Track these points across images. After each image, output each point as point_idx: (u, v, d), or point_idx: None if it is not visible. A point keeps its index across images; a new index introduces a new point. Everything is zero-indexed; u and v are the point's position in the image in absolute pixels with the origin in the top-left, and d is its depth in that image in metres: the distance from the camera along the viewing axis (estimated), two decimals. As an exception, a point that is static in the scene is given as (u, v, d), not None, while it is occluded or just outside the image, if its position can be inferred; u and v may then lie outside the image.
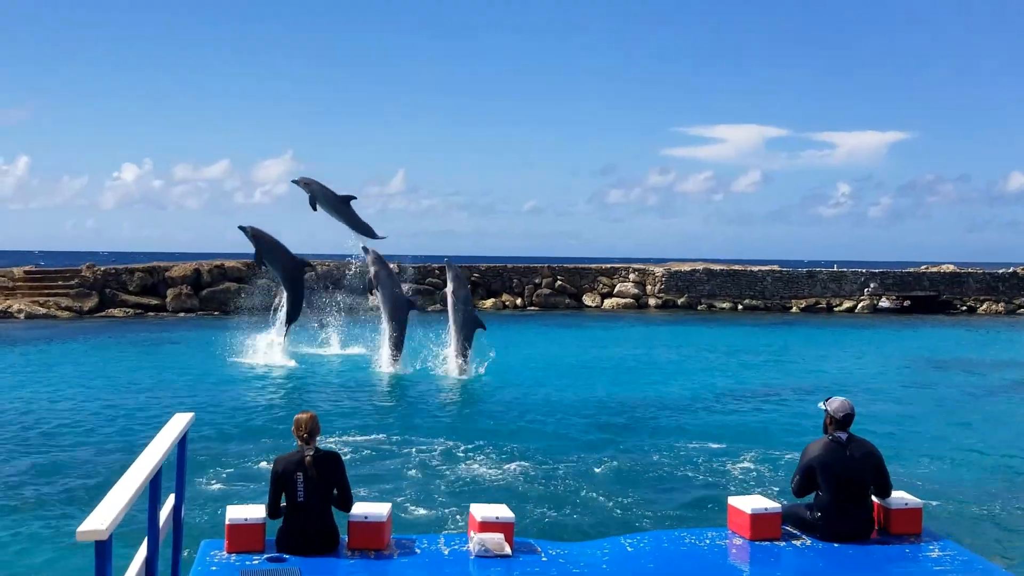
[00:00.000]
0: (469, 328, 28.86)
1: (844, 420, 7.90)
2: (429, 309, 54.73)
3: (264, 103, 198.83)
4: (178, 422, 7.69)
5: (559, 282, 58.82)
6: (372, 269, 29.75)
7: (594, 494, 14.17)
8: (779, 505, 8.08)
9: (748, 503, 7.89)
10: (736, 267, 62.82)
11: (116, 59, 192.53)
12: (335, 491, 7.44)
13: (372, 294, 30.37)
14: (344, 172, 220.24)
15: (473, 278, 57.74)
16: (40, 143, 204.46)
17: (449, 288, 29.74)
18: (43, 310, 46.69)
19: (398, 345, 29.36)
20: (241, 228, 30.98)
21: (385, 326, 30.00)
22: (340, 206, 32.36)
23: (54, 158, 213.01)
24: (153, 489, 6.46)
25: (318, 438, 7.52)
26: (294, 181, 32.12)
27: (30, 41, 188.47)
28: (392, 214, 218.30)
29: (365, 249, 30.50)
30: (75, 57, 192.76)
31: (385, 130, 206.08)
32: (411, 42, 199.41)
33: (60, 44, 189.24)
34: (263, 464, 15.15)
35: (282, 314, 31.89)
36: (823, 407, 8.07)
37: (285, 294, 32.21)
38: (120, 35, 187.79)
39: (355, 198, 32.81)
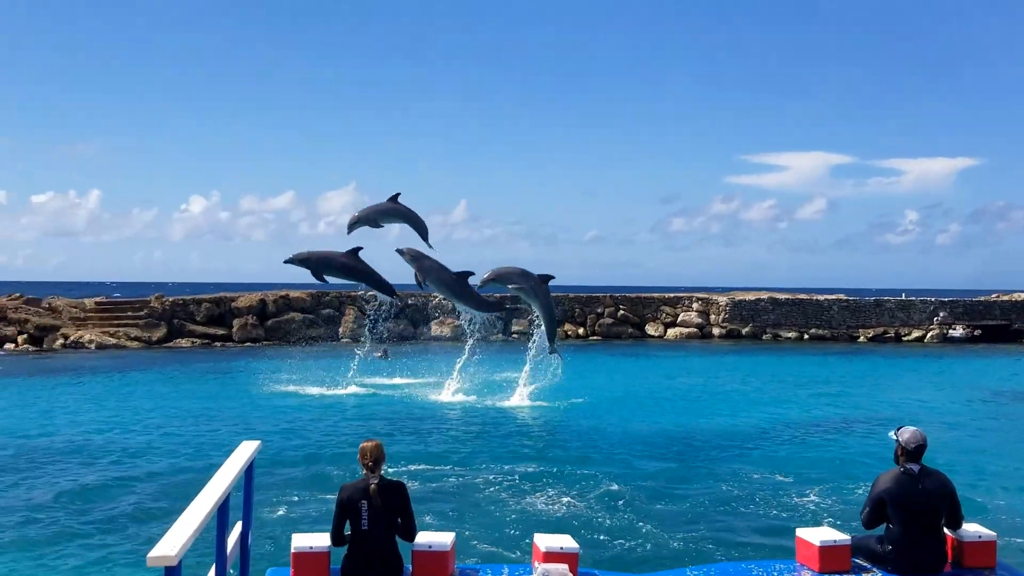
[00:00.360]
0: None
1: (916, 451, 7.72)
2: (490, 338, 54.84)
3: (328, 135, 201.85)
4: (245, 450, 7.75)
5: (622, 312, 58.58)
6: (416, 265, 28.67)
7: (659, 525, 14.01)
8: (848, 537, 7.91)
9: (817, 535, 7.75)
10: (801, 296, 62.04)
11: (184, 94, 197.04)
12: (399, 520, 7.43)
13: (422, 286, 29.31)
14: (406, 202, 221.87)
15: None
16: (111, 177, 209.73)
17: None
18: (113, 340, 47.64)
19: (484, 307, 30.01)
20: (399, 251, 28.67)
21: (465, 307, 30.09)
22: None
23: (125, 191, 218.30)
24: (221, 516, 6.50)
25: (383, 466, 7.51)
26: (399, 251, 28.82)
27: (102, 77, 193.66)
28: (454, 243, 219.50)
29: (400, 251, 28.91)
30: (145, 92, 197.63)
31: (447, 160, 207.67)
32: (472, 74, 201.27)
33: (131, 80, 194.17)
34: (330, 492, 15.22)
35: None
36: (894, 437, 7.89)
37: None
38: (188, 71, 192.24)
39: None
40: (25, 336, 47.18)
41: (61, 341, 47.04)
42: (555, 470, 17.99)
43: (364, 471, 7.45)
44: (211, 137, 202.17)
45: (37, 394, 29.36)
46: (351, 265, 29.90)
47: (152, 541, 5.28)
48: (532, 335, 30.86)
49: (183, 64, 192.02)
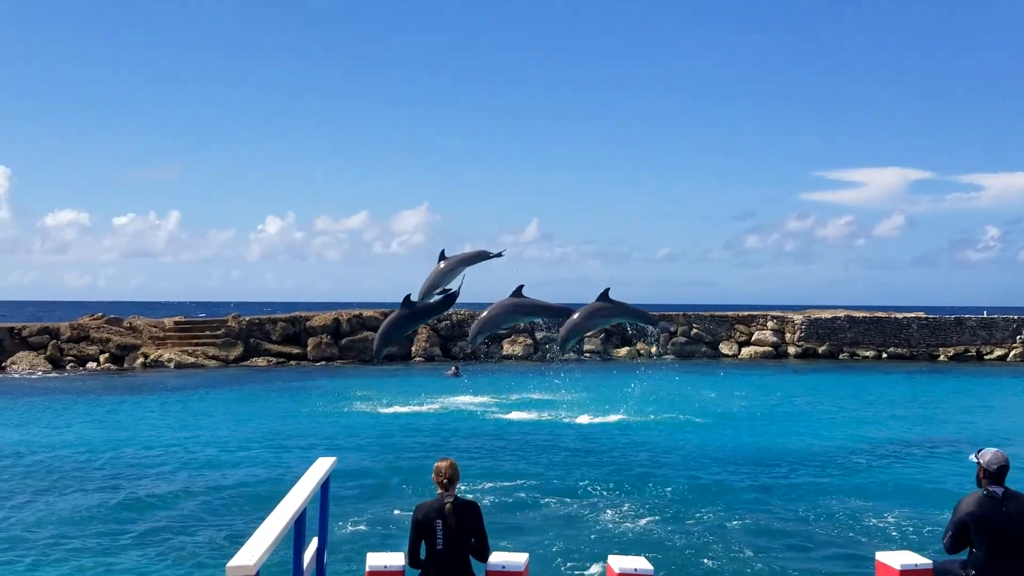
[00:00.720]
0: None
1: (999, 473, 7.51)
2: (550, 357, 54.77)
3: (401, 155, 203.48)
4: (321, 466, 7.84)
5: (695, 330, 58.08)
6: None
7: (735, 547, 13.83)
8: (930, 561, 7.72)
9: (897, 559, 7.58)
10: (879, 314, 60.85)
11: (261, 118, 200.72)
12: (473, 540, 7.42)
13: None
14: (478, 222, 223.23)
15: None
16: (190, 199, 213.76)
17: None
18: (191, 359, 48.55)
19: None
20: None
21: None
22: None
23: (203, 213, 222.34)
24: (298, 530, 6.57)
25: (457, 485, 7.53)
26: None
27: (182, 102, 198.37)
28: (526, 262, 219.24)
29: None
30: (223, 117, 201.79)
31: (519, 179, 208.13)
32: (542, 93, 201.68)
33: (209, 105, 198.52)
34: (404, 510, 15.30)
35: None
36: (975, 460, 7.69)
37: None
38: (263, 96, 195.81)
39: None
40: (107, 355, 48.31)
41: (141, 360, 48.08)
42: (628, 488, 17.89)
43: (439, 490, 7.48)
44: (287, 159, 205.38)
45: (119, 411, 30.03)
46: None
47: (229, 553, 5.36)
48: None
49: (258, 88, 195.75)
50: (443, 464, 7.55)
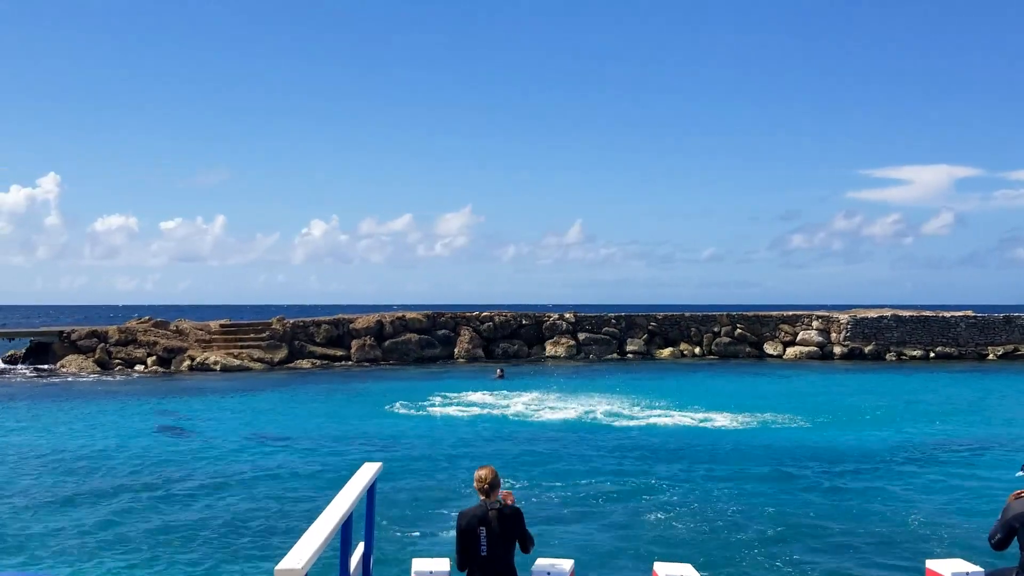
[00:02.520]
0: None
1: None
2: (605, 358, 54.62)
3: (445, 158, 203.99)
4: (367, 471, 7.85)
5: (739, 330, 57.69)
6: None
7: (785, 552, 13.70)
8: (981, 569, 7.59)
9: (948, 567, 7.46)
10: (927, 313, 60.04)
11: (306, 122, 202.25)
12: (515, 546, 7.41)
13: None
14: (522, 223, 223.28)
15: (650, 327, 57.37)
16: (236, 203, 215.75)
17: None
18: (237, 361, 49.00)
19: None
20: None
21: None
22: None
23: (248, 217, 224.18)
24: (344, 535, 6.59)
25: (499, 491, 7.53)
26: None
27: (227, 108, 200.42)
28: (570, 264, 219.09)
29: None
30: (268, 122, 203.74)
31: (563, 180, 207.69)
32: (587, 96, 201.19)
33: (256, 110, 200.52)
34: (450, 513, 15.33)
35: None
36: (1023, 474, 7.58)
37: None
38: (309, 101, 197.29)
39: None
40: (154, 358, 48.91)
41: (188, 363, 48.61)
42: (674, 490, 17.81)
43: (481, 497, 7.47)
44: (331, 162, 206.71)
45: (167, 412, 30.36)
46: None
47: (276, 555, 5.40)
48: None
49: (305, 93, 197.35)
50: (484, 472, 7.54)
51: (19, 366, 49.58)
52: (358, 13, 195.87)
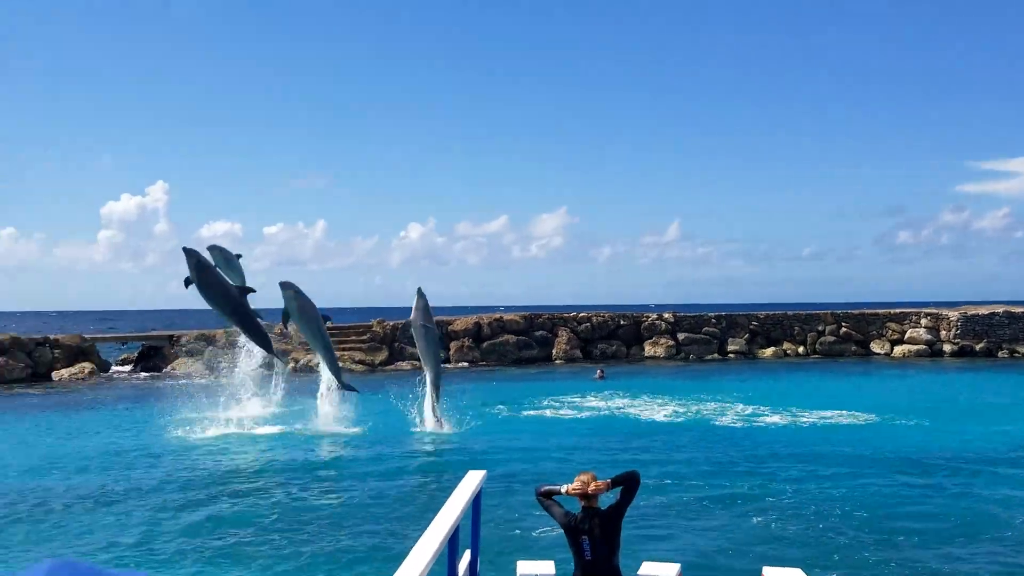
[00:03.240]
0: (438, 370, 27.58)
1: None
2: (705, 359, 53.90)
3: (540, 159, 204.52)
4: (472, 480, 7.83)
5: (844, 329, 56.38)
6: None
7: (897, 555, 13.24)
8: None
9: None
10: (1042, 309, 57.80)
11: (403, 127, 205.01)
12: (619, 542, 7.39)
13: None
14: (618, 223, 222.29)
15: (752, 326, 56.41)
16: (336, 208, 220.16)
17: (416, 320, 27.90)
18: (340, 363, 49.64)
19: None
20: (185, 251, 26.15)
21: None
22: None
23: (348, 221, 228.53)
24: (451, 546, 6.58)
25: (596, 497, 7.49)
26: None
27: (329, 117, 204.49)
28: (667, 263, 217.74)
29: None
30: (367, 127, 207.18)
31: (660, 179, 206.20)
32: (683, 96, 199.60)
33: (355, 116, 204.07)
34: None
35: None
36: None
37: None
38: (404, 105, 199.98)
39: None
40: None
41: (292, 365, 49.44)
42: (779, 491, 17.41)
43: (581, 502, 7.45)
44: (429, 166, 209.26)
45: (269, 415, 30.87)
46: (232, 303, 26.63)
47: (383, 559, 5.37)
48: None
49: (400, 97, 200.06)
50: (584, 476, 7.55)
51: (130, 368, 51.11)
52: (455, 15, 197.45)
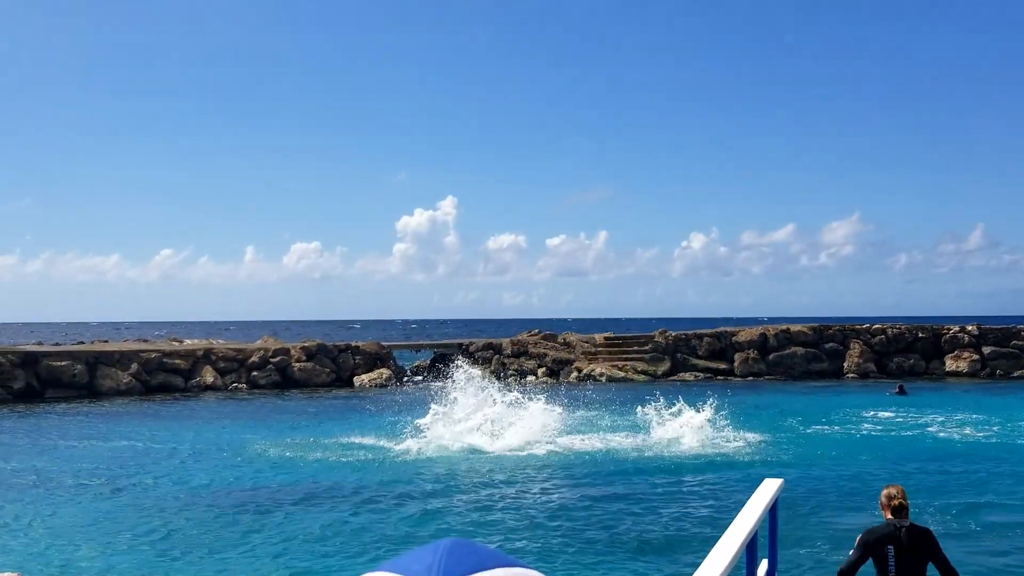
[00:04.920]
0: None
1: None
2: (1013, 375, 49.90)
3: (832, 164, 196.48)
4: (768, 488, 7.60)
5: None
6: None
7: None
8: None
9: None
10: None
11: (690, 133, 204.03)
12: (932, 565, 7.01)
13: None
14: (914, 230, 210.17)
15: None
16: (618, 219, 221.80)
17: None
18: (621, 373, 49.92)
19: None
20: None
21: None
22: None
23: (629, 232, 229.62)
24: (750, 553, 6.42)
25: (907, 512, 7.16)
26: None
27: (613, 127, 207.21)
28: (968, 272, 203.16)
29: None
30: (649, 138, 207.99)
31: (962, 180, 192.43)
32: (997, 92, 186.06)
33: (635, 128, 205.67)
34: (851, 532, 14.46)
35: None
36: None
37: None
38: (690, 115, 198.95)
39: None
40: (544, 369, 51.05)
41: (575, 374, 50.23)
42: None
43: (889, 515, 7.17)
44: (711, 174, 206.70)
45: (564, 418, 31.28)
46: None
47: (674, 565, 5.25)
48: None
49: (684, 109, 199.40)
50: (893, 490, 7.37)
51: (423, 376, 53.71)
52: (762, 19, 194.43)
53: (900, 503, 7.12)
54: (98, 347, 49.83)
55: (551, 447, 25.40)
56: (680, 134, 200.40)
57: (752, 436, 26.91)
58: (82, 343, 58.50)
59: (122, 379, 43.54)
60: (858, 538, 7.31)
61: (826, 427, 29.46)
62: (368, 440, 26.62)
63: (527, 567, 1.94)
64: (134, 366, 44.38)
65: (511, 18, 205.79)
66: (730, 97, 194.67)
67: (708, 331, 54.60)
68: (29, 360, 42.65)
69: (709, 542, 6.00)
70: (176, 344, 53.28)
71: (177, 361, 46.08)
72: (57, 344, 57.56)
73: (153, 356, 45.70)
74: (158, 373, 45.01)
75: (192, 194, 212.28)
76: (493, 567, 1.89)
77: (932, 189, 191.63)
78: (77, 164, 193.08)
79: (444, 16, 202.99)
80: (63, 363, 43.06)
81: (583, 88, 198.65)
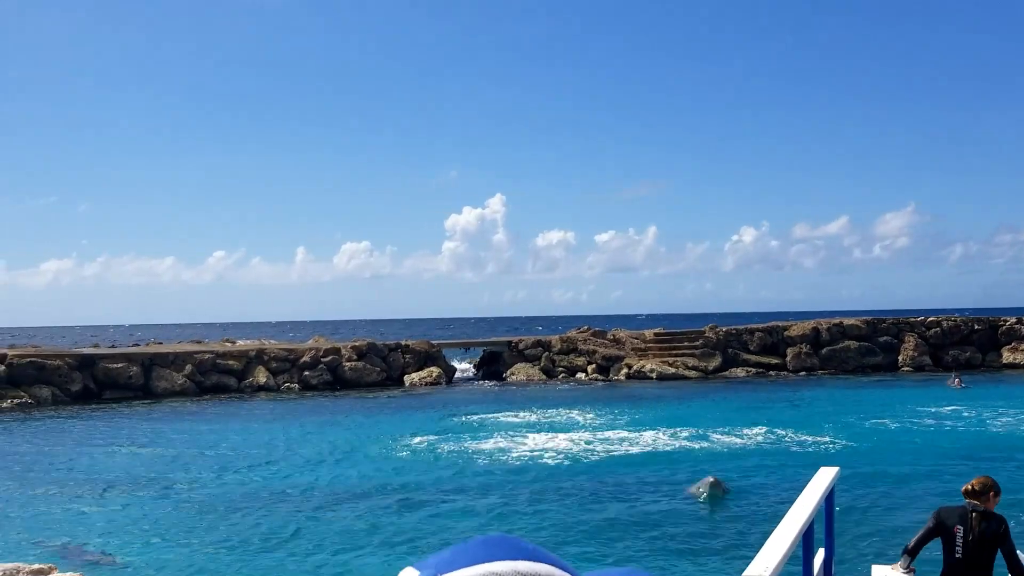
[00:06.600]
0: None
1: None
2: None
3: (886, 154, 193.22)
4: (824, 476, 7.52)
5: None
6: None
7: None
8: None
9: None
10: None
11: (738, 127, 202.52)
12: (999, 554, 6.84)
13: None
14: (973, 221, 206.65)
15: None
16: (667, 214, 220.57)
17: None
18: (672, 370, 49.58)
19: None
20: None
21: None
22: None
23: (679, 227, 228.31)
24: (807, 541, 6.34)
25: (995, 500, 7.02)
26: None
27: (661, 124, 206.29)
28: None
29: None
30: (698, 132, 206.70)
31: (1014, 169, 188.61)
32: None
33: (686, 120, 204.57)
34: (907, 525, 14.25)
35: None
36: None
37: None
38: (736, 108, 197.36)
39: None
40: (594, 366, 50.87)
41: (625, 371, 50.01)
42: None
43: (967, 499, 7.05)
44: (763, 168, 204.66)
45: (613, 419, 31.24)
46: None
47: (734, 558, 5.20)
48: None
49: (733, 100, 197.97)
50: (976, 477, 7.30)
51: (473, 373, 53.82)
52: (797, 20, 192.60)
53: (973, 487, 7.04)
54: (153, 349, 50.59)
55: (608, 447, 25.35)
56: (729, 128, 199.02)
57: (807, 433, 26.59)
58: (137, 345, 59.42)
59: (176, 380, 44.15)
60: (931, 514, 7.19)
61: (884, 420, 29.04)
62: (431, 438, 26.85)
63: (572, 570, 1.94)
64: (188, 367, 44.98)
65: (559, 18, 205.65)
66: (781, 91, 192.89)
67: (759, 326, 54.10)
68: (86, 362, 43.41)
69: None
70: (229, 345, 53.89)
71: (230, 362, 46.62)
72: (113, 346, 58.48)
73: (207, 357, 46.28)
74: (212, 374, 45.58)
75: (244, 196, 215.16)
76: (543, 561, 1.89)
77: (988, 176, 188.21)
78: (132, 168, 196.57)
79: (492, 18, 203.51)
80: (119, 365, 43.75)
81: (632, 85, 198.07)
